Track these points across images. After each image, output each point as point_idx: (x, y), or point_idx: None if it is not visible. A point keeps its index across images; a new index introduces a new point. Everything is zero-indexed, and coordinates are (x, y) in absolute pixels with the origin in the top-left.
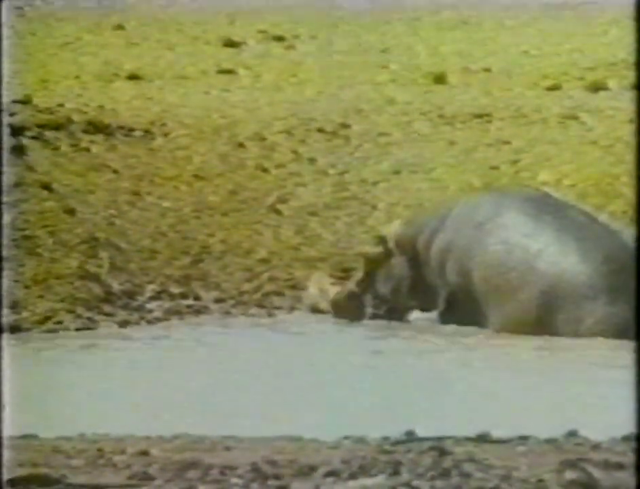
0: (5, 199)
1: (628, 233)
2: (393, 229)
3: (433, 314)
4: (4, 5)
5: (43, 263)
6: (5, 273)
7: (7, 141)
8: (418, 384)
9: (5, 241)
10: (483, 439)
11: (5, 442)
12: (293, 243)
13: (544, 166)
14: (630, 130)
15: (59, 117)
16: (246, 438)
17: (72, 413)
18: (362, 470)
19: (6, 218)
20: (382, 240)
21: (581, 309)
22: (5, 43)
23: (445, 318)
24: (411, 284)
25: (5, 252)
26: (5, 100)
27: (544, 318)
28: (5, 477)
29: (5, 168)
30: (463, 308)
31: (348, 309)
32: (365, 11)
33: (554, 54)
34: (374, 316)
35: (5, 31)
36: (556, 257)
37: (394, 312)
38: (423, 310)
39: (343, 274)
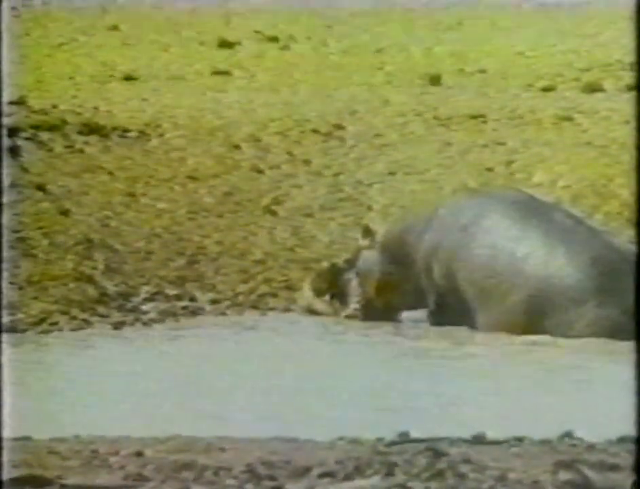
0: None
1: (615, 235)
2: (381, 228)
3: (423, 313)
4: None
5: (37, 264)
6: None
7: (2, 142)
8: (412, 384)
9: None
10: (478, 440)
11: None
12: (288, 244)
13: (539, 167)
14: (625, 131)
15: (54, 118)
16: (241, 439)
17: (66, 415)
18: (357, 471)
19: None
20: (369, 232)
21: (571, 312)
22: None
23: (434, 319)
24: (392, 283)
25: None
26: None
27: (533, 321)
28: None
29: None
30: (450, 310)
31: (327, 284)
32: (360, 12)
33: (548, 55)
34: (356, 311)
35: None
36: (543, 261)
37: (383, 311)
38: (411, 309)
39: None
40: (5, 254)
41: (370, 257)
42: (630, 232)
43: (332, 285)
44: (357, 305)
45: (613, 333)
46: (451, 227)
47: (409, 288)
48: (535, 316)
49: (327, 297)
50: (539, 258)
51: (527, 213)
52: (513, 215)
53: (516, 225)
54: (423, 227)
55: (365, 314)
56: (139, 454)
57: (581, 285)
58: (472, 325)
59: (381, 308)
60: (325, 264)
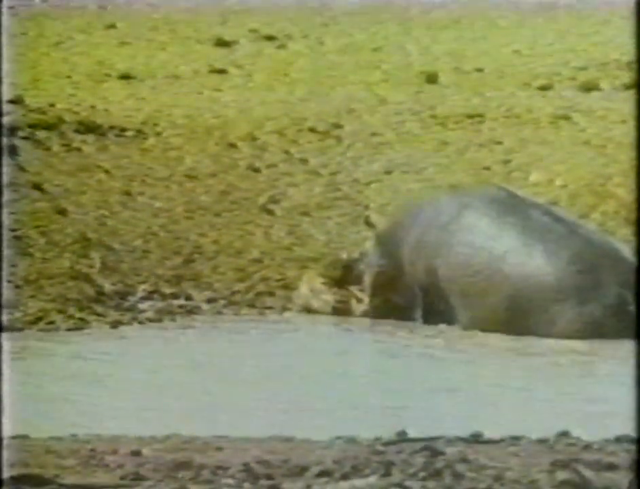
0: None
1: (594, 230)
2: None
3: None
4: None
5: (34, 263)
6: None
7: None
8: (410, 383)
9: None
10: (475, 439)
11: None
12: (284, 243)
13: (536, 166)
14: (622, 130)
15: (51, 117)
16: (238, 438)
17: (64, 414)
18: (354, 470)
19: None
20: (370, 224)
21: (551, 311)
22: None
23: (423, 317)
24: (388, 278)
25: None
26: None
27: (513, 320)
28: None
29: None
30: (435, 307)
31: (340, 276)
32: (356, 11)
33: (546, 54)
34: (366, 308)
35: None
36: (521, 259)
37: (391, 309)
38: (410, 307)
39: (335, 273)
40: (3, 253)
41: (370, 251)
42: (627, 231)
43: (345, 278)
44: (366, 302)
45: (595, 331)
46: (432, 225)
47: (404, 284)
48: (516, 314)
49: (328, 296)
50: (517, 257)
51: (505, 211)
52: (492, 213)
53: (494, 223)
54: (410, 223)
55: (374, 311)
56: (136, 453)
57: (560, 284)
58: (455, 323)
59: (385, 305)
60: (343, 255)
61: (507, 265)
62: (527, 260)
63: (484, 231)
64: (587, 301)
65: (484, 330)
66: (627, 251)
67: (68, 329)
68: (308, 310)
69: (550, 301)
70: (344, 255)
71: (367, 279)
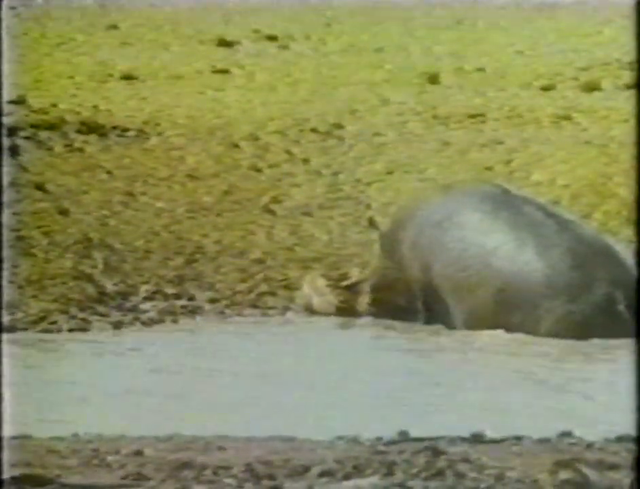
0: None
1: (586, 227)
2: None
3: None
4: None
5: (36, 263)
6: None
7: (1, 141)
8: (411, 383)
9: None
10: (477, 439)
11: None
12: (287, 243)
13: (538, 166)
14: (623, 130)
15: (53, 117)
16: (240, 438)
17: (66, 414)
18: (356, 470)
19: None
20: (373, 225)
21: (539, 308)
22: None
23: (423, 317)
24: (390, 278)
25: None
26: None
27: (501, 317)
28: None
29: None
30: (431, 306)
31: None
32: (358, 11)
33: (548, 54)
34: (369, 312)
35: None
36: (512, 255)
37: (398, 309)
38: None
39: (337, 273)
40: (4, 253)
41: (375, 251)
42: (629, 231)
43: (350, 288)
44: (369, 303)
45: (583, 330)
46: (427, 224)
47: (405, 285)
48: (504, 311)
49: (331, 296)
50: (508, 252)
51: (498, 206)
52: (484, 209)
53: (486, 219)
54: (407, 224)
55: (376, 312)
56: (139, 453)
57: (550, 281)
58: (450, 321)
59: (388, 306)
60: (352, 278)
61: (497, 259)
62: (518, 255)
63: (476, 227)
64: (576, 299)
65: (473, 325)
66: (621, 250)
67: (71, 330)
68: (311, 310)
69: (539, 298)
70: (353, 278)
71: (371, 281)
